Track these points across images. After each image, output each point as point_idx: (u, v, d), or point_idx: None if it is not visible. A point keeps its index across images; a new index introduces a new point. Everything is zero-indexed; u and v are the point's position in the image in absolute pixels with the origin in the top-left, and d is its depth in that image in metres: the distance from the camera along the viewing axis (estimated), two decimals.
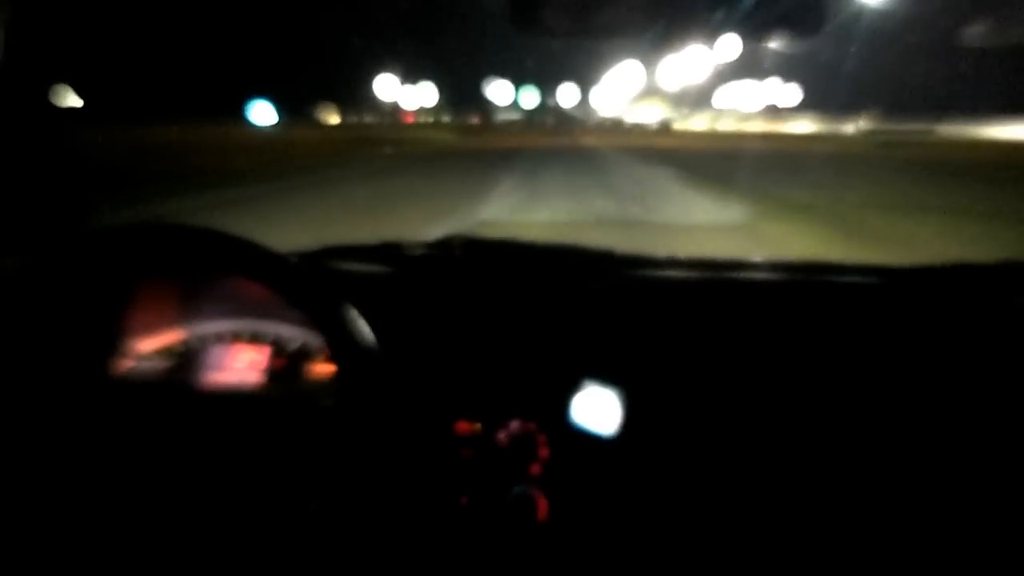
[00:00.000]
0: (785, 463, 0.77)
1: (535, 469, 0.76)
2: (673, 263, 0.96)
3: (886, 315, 0.83)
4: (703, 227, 6.10)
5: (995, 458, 0.74)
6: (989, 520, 0.73)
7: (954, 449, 0.75)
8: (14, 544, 0.67)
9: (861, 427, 0.76)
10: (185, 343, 0.85)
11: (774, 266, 0.95)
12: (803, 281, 0.91)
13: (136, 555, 0.68)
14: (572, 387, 0.79)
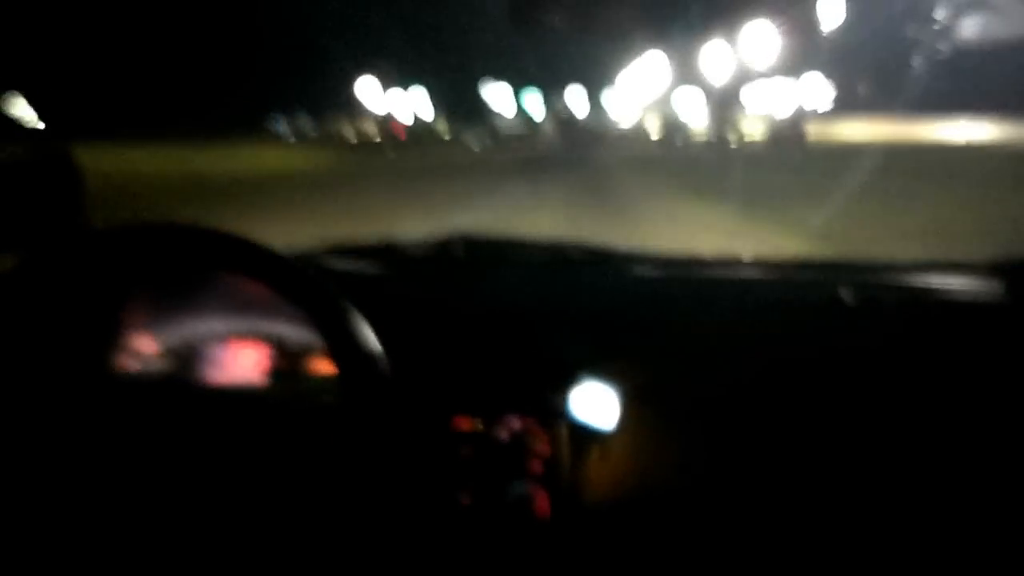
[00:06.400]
0: (784, 459, 0.84)
1: (535, 466, 0.84)
2: (672, 261, 1.06)
3: (883, 314, 0.92)
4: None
5: (992, 459, 0.82)
6: (983, 520, 0.81)
7: (948, 445, 0.83)
8: (14, 544, 0.73)
9: (856, 421, 0.85)
10: (186, 342, 0.93)
11: (773, 264, 1.05)
12: (801, 279, 1.01)
13: (138, 554, 0.75)
14: (571, 383, 0.87)
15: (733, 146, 23.95)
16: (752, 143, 24.67)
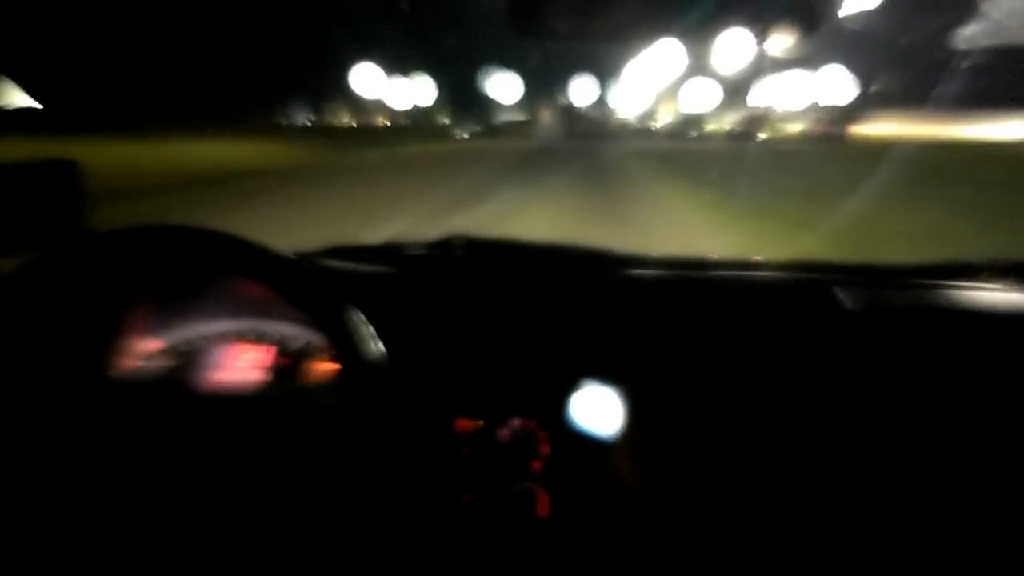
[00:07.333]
0: (784, 461, 0.86)
1: (536, 466, 0.86)
2: (672, 262, 1.08)
3: (884, 316, 0.94)
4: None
5: (994, 464, 0.84)
6: (990, 528, 0.82)
7: (950, 450, 0.85)
8: (14, 544, 0.75)
9: (858, 425, 0.86)
10: (187, 342, 0.95)
11: (773, 266, 1.07)
12: (801, 280, 1.03)
13: (137, 554, 0.77)
14: (572, 385, 0.89)
15: (740, 140, 24.18)
16: (758, 138, 25.11)
